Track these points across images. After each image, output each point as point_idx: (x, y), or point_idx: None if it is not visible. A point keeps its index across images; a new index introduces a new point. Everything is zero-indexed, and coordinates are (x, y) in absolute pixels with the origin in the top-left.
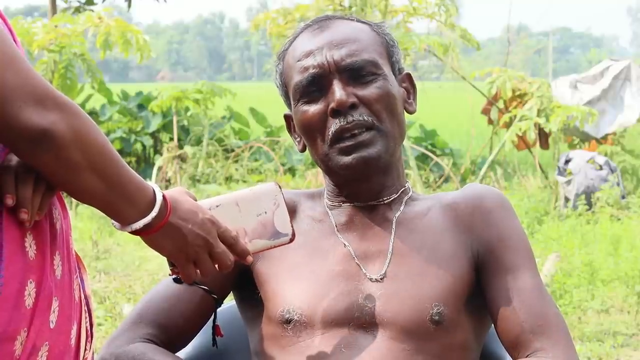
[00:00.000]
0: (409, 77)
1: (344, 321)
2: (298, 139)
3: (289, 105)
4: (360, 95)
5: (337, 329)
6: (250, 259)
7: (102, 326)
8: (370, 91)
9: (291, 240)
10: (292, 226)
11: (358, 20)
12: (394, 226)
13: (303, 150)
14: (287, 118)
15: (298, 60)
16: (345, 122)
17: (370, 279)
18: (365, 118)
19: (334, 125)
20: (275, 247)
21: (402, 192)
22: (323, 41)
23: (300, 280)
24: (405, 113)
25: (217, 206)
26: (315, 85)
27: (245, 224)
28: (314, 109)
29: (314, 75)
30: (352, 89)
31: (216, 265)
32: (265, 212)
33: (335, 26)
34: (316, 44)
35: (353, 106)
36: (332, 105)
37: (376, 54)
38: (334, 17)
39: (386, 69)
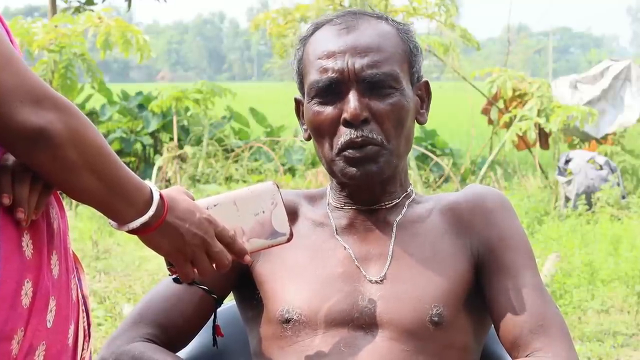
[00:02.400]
0: (426, 85)
1: (343, 322)
2: (305, 127)
3: (301, 91)
4: (374, 109)
5: (336, 330)
6: (247, 258)
7: (102, 326)
8: (383, 107)
9: (289, 240)
10: (289, 226)
11: (386, 20)
12: (394, 230)
13: (308, 139)
14: (298, 102)
15: (318, 58)
16: (355, 136)
17: (370, 281)
18: (375, 136)
19: (344, 135)
20: (273, 246)
21: (404, 196)
22: (347, 45)
23: (300, 281)
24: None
25: (214, 205)
26: (332, 90)
27: (243, 223)
28: (327, 112)
29: (331, 80)
30: (368, 101)
31: (214, 265)
32: (263, 212)
33: (362, 28)
34: (339, 46)
35: (365, 121)
36: (345, 116)
37: (397, 65)
38: (362, 15)
39: (405, 82)
